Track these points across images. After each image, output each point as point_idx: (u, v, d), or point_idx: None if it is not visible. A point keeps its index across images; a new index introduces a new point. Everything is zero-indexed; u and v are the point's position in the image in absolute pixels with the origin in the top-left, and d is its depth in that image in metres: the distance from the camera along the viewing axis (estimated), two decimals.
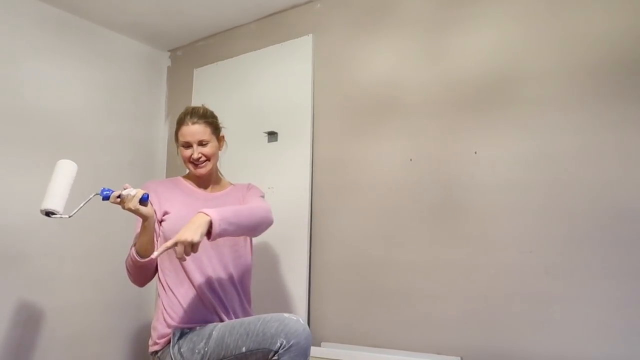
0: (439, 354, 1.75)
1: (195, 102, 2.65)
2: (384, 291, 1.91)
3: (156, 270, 1.69)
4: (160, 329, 1.60)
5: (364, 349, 1.89)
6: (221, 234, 1.42)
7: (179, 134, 1.72)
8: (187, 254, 1.35)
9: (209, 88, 2.63)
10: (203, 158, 1.70)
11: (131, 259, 1.61)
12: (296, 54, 2.32)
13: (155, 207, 1.65)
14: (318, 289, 2.08)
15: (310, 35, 2.29)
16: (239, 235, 1.56)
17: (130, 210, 1.50)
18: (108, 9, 2.42)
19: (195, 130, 1.68)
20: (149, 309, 2.56)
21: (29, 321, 2.13)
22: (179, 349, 1.52)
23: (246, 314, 1.71)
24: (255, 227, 1.56)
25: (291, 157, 2.23)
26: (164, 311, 1.61)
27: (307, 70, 2.26)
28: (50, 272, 2.22)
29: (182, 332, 1.56)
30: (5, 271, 2.07)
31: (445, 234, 1.81)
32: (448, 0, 1.94)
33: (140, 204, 1.50)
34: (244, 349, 1.41)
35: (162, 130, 2.83)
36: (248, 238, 1.76)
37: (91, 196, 1.51)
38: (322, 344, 2.00)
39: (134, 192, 1.49)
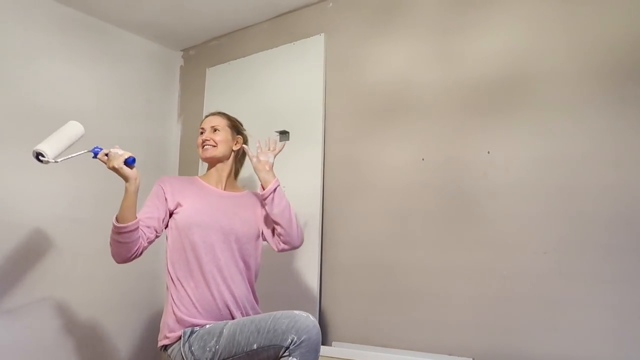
0: (450, 355, 1.74)
1: (208, 101, 2.66)
2: (395, 292, 1.90)
3: (139, 247, 1.58)
4: (171, 323, 1.60)
5: (375, 348, 1.88)
6: (275, 191, 1.69)
7: (200, 125, 1.85)
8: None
9: (221, 87, 2.63)
10: (211, 142, 1.78)
11: (112, 227, 1.53)
12: (308, 54, 2.32)
13: (167, 196, 1.69)
14: (329, 289, 2.08)
15: (322, 34, 2.29)
16: (278, 214, 1.69)
17: (113, 169, 1.51)
18: (121, 9, 2.44)
19: (212, 118, 1.84)
20: (160, 305, 2.58)
21: (41, 318, 2.15)
22: (190, 347, 1.53)
23: (255, 311, 1.72)
24: (291, 220, 1.70)
25: (303, 156, 2.23)
26: (174, 305, 1.61)
27: (318, 69, 2.26)
28: (63, 269, 2.24)
29: (193, 330, 1.57)
30: (18, 269, 2.10)
31: (457, 234, 1.80)
32: (460, 1, 1.94)
33: (125, 165, 1.51)
34: (255, 346, 1.42)
35: (175, 130, 2.85)
36: (260, 239, 1.77)
37: (83, 151, 1.56)
38: (334, 343, 1.99)
39: (121, 152, 1.53)
